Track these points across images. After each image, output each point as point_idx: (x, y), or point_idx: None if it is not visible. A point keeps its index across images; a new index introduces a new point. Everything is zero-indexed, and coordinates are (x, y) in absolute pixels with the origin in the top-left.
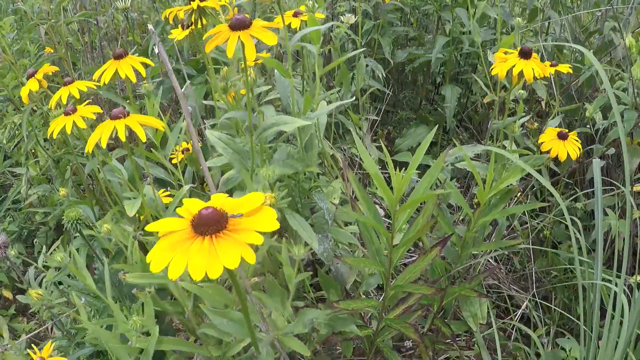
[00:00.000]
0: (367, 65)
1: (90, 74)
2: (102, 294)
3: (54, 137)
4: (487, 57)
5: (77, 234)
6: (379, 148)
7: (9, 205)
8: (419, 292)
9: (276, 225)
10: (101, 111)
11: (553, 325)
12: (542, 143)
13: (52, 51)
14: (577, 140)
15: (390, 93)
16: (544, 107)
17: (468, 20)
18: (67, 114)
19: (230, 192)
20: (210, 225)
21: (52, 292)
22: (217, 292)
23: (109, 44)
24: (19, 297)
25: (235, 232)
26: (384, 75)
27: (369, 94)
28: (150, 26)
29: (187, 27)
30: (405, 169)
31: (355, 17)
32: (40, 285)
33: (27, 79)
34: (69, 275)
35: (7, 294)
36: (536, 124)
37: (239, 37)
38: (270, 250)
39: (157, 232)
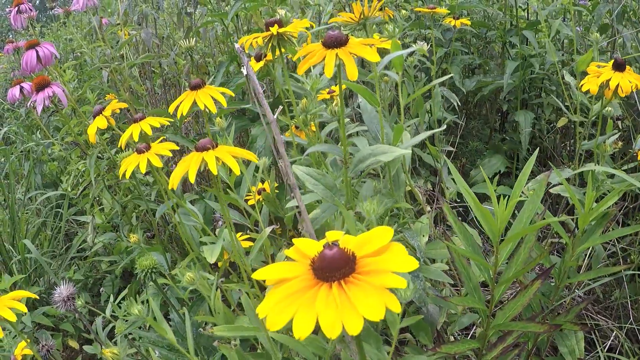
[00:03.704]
0: (441, 96)
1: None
2: (181, 347)
3: (127, 177)
4: (563, 77)
5: (151, 283)
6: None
7: (74, 253)
8: (527, 331)
9: (415, 265)
10: (177, 148)
11: None
12: None
13: (113, 97)
14: None
15: (463, 124)
16: (620, 126)
17: (536, 41)
18: (139, 151)
19: (317, 233)
20: (337, 268)
21: (116, 342)
22: (311, 343)
23: (169, 89)
24: (85, 347)
25: (367, 275)
26: (459, 104)
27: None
28: (237, 45)
29: (262, 58)
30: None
31: (428, 45)
32: (109, 337)
33: (94, 116)
34: (139, 327)
35: (74, 344)
36: (620, 142)
37: (336, 54)
38: None
39: (265, 281)
